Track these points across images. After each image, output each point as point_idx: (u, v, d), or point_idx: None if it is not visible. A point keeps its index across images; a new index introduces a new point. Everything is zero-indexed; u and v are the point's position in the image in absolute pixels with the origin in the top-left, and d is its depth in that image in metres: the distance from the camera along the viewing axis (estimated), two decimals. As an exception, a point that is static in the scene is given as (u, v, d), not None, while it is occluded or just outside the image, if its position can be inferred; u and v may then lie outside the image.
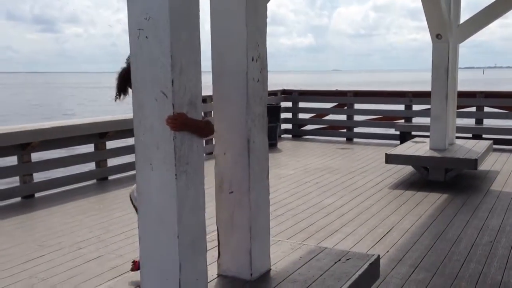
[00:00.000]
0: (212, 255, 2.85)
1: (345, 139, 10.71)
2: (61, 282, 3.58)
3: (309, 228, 4.77)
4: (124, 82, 2.82)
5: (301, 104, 11.30)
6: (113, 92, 2.83)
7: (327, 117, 11.37)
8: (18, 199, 5.92)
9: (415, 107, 10.23)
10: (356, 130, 10.88)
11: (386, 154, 6.81)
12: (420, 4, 6.50)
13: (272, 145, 9.11)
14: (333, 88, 12.22)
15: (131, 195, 3.10)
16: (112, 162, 7.19)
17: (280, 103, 10.67)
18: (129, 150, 7.26)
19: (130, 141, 7.32)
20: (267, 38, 2.78)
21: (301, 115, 11.39)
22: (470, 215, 5.15)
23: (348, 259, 3.02)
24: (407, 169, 7.25)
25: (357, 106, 10.78)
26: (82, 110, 29.52)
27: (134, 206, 2.89)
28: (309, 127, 11.44)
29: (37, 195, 6.10)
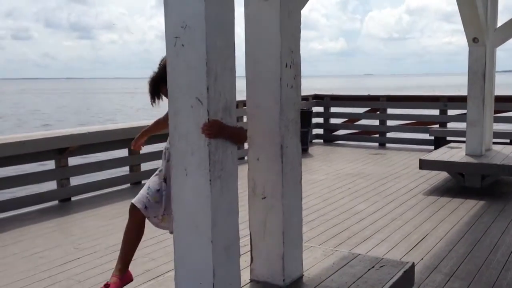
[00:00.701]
0: (244, 260, 2.86)
1: (377, 144, 10.59)
2: (97, 284, 3.65)
3: (342, 234, 4.73)
4: (156, 86, 2.85)
5: (333, 109, 11.23)
6: (148, 97, 2.89)
7: (359, 122, 11.27)
8: (56, 202, 6.08)
9: (450, 112, 10.03)
10: (389, 135, 10.74)
11: (420, 159, 6.70)
12: (455, 7, 6.39)
13: (304, 150, 9.08)
14: (365, 93, 12.11)
15: (135, 204, 2.94)
16: (145, 166, 7.31)
17: (311, 108, 10.63)
18: (160, 155, 7.36)
19: (162, 146, 7.40)
20: (299, 44, 2.78)
21: (333, 120, 11.32)
22: (507, 222, 5.01)
23: (382, 266, 2.98)
24: (442, 175, 7.11)
25: (390, 111, 10.64)
26: (121, 115, 30.17)
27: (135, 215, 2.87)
28: (340, 132, 11.36)
29: (73, 198, 6.25)
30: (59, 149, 6.02)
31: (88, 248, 4.42)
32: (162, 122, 3.10)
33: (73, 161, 6.44)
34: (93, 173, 6.94)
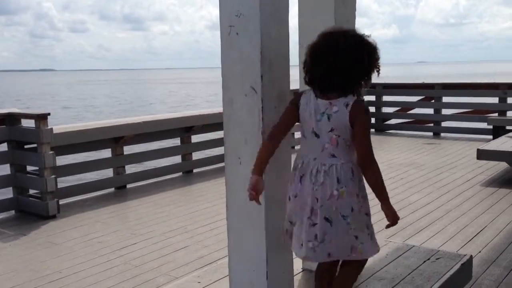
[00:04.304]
0: (297, 249, 2.86)
1: (431, 134, 10.29)
2: (153, 269, 3.76)
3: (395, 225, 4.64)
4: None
5: (385, 98, 10.98)
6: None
7: (412, 111, 10.97)
8: (112, 189, 6.30)
9: (510, 100, 9.60)
10: (444, 124, 10.40)
11: (478, 149, 6.46)
12: (517, -10, 6.07)
13: (355, 140, 8.93)
14: (419, 81, 11.75)
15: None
16: (196, 155, 7.43)
17: (362, 96, 10.43)
18: (212, 144, 7.53)
19: (210, 135, 7.55)
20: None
21: (385, 109, 11.08)
22: None
23: (438, 258, 2.91)
24: (501, 166, 6.82)
25: (445, 99, 10.30)
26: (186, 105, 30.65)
27: None
28: (393, 121, 11.11)
29: (128, 186, 6.45)
30: (115, 138, 6.21)
31: (144, 234, 4.56)
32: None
33: (128, 149, 6.64)
34: (146, 161, 7.13)
